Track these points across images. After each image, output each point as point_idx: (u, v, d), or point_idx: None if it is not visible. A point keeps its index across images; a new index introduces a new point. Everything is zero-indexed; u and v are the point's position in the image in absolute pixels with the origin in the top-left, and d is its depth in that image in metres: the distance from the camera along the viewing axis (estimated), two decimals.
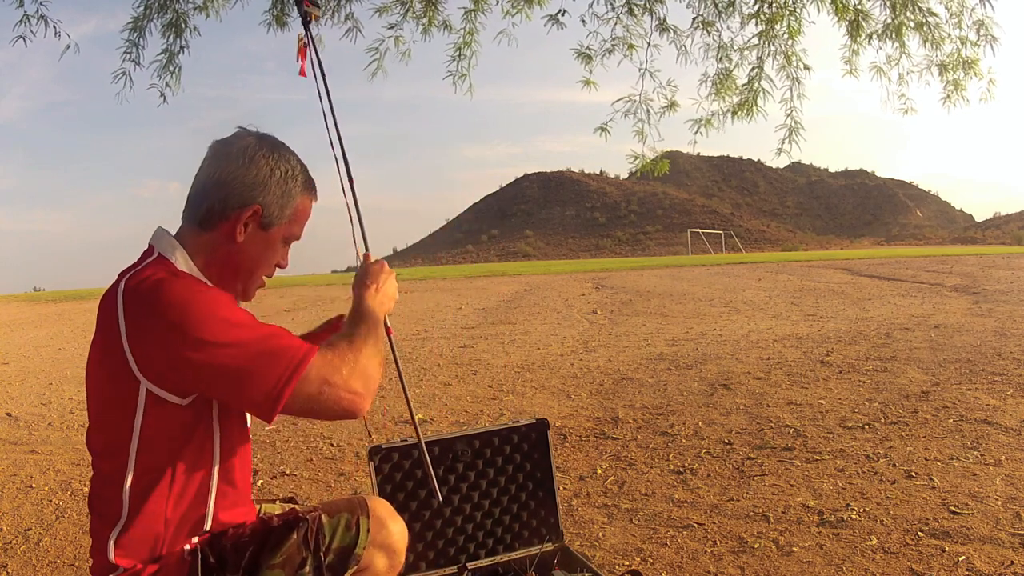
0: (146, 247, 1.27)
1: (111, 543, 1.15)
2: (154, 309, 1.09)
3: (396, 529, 1.36)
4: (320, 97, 1.60)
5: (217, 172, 1.24)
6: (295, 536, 1.24)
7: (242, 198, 1.23)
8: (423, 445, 1.55)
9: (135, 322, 1.11)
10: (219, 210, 1.23)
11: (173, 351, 1.08)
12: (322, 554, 1.25)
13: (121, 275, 1.21)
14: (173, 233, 1.26)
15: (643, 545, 2.47)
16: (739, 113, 4.31)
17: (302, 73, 1.77)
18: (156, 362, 1.10)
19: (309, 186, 1.33)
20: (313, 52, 1.69)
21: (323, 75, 1.64)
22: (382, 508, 1.37)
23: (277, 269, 1.35)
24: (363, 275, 1.38)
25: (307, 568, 1.23)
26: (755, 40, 4.29)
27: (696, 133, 4.35)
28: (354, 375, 1.17)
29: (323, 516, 1.28)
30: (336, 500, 1.35)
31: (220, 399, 1.18)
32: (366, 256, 1.47)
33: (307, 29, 1.74)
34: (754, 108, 4.28)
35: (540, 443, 2.16)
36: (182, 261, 1.21)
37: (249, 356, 1.10)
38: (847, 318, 8.62)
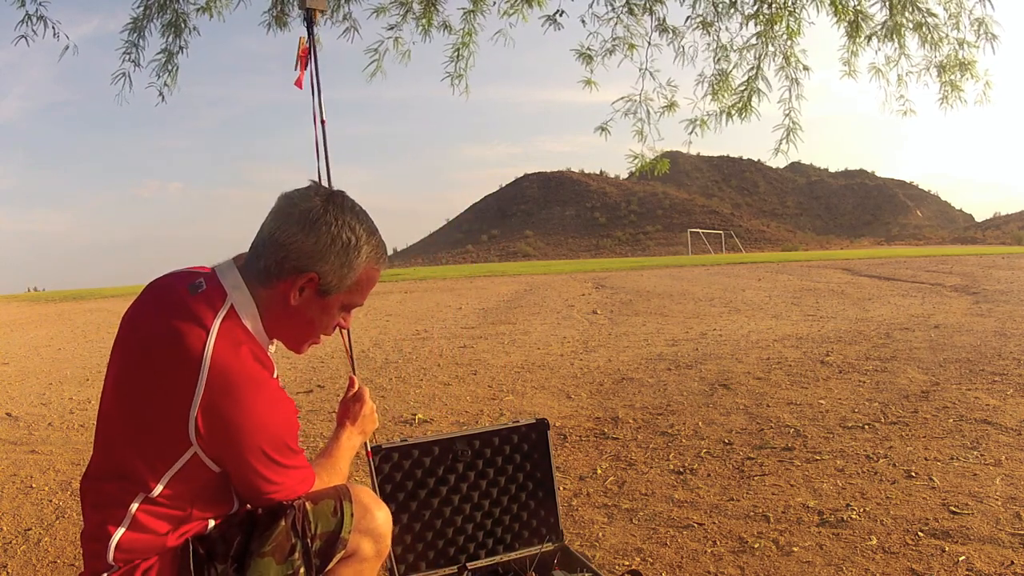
0: (208, 270, 1.26)
1: (112, 544, 1.16)
2: (238, 408, 1.14)
3: (380, 515, 1.38)
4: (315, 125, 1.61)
5: (276, 232, 1.22)
6: (283, 523, 1.25)
7: (298, 264, 1.21)
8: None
9: (215, 407, 1.13)
10: (275, 271, 1.22)
11: (238, 446, 1.16)
12: (309, 540, 1.27)
13: (189, 301, 1.18)
14: (238, 269, 1.25)
15: (643, 545, 2.47)
16: (734, 113, 4.32)
17: (298, 84, 1.72)
18: (215, 444, 1.15)
19: (375, 256, 1.28)
20: (313, 61, 1.66)
21: (318, 92, 1.64)
22: (365, 495, 1.39)
23: (337, 329, 1.36)
24: (344, 413, 1.53)
25: (296, 554, 1.25)
26: (754, 41, 4.30)
27: (691, 133, 4.36)
28: (306, 490, 1.31)
29: (307, 503, 1.30)
30: (320, 490, 1.36)
31: (232, 478, 1.23)
32: (351, 379, 1.58)
33: (310, 31, 1.70)
34: (747, 108, 4.28)
35: (540, 443, 2.16)
36: (251, 323, 1.22)
37: (285, 478, 1.24)
38: (847, 318, 8.62)
